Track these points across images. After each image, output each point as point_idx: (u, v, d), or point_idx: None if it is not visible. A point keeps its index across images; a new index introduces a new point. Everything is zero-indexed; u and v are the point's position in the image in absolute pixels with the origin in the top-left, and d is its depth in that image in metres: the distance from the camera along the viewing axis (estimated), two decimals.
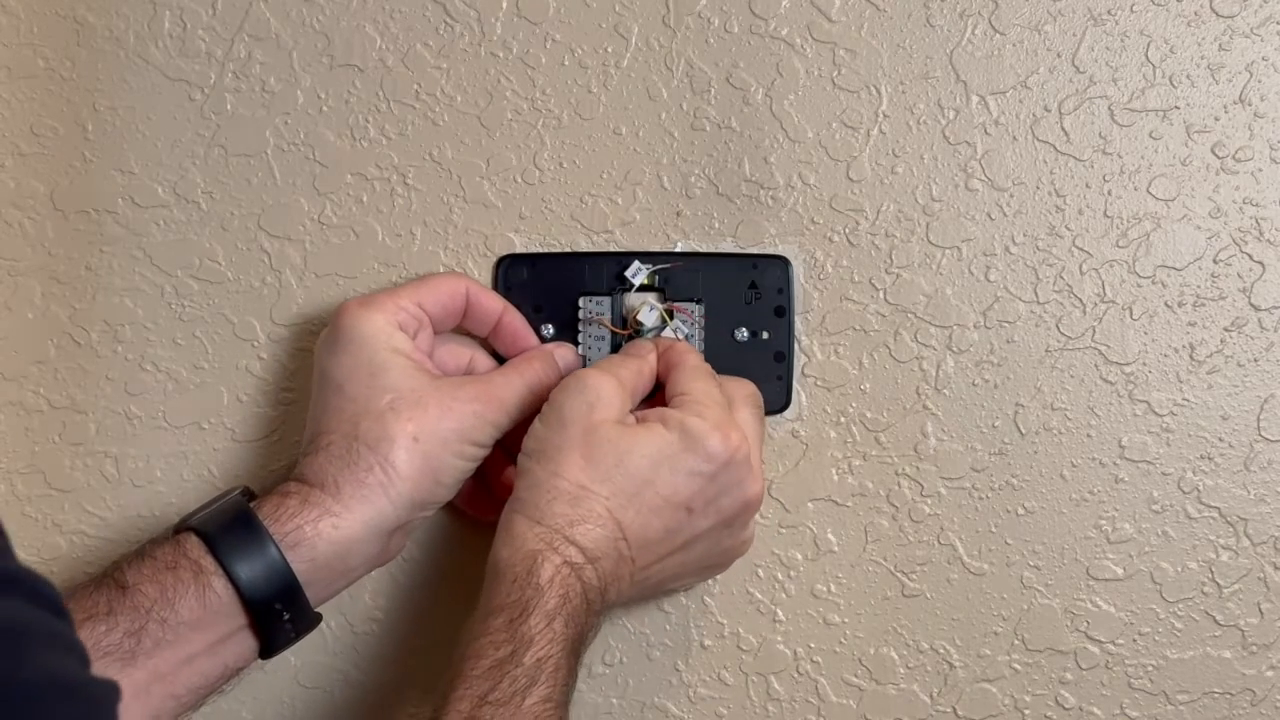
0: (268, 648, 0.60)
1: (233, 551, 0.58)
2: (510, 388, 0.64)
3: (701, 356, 0.66)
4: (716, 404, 0.62)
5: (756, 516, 0.64)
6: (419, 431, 0.61)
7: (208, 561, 0.58)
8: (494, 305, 0.67)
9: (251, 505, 0.60)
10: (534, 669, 0.54)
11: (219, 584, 0.58)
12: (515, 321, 0.67)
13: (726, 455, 0.60)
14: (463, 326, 0.67)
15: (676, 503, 0.60)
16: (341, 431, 0.62)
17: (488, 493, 0.68)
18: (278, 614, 0.59)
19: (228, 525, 0.59)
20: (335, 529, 0.60)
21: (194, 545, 0.59)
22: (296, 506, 0.60)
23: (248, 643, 0.60)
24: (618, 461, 0.59)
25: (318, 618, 0.62)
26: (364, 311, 0.63)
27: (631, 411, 0.63)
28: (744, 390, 0.65)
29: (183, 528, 0.61)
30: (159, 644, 0.57)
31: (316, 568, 0.60)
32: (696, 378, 0.63)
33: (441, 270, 0.69)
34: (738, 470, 0.61)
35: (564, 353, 0.67)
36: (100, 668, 0.55)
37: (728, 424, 0.61)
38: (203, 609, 0.58)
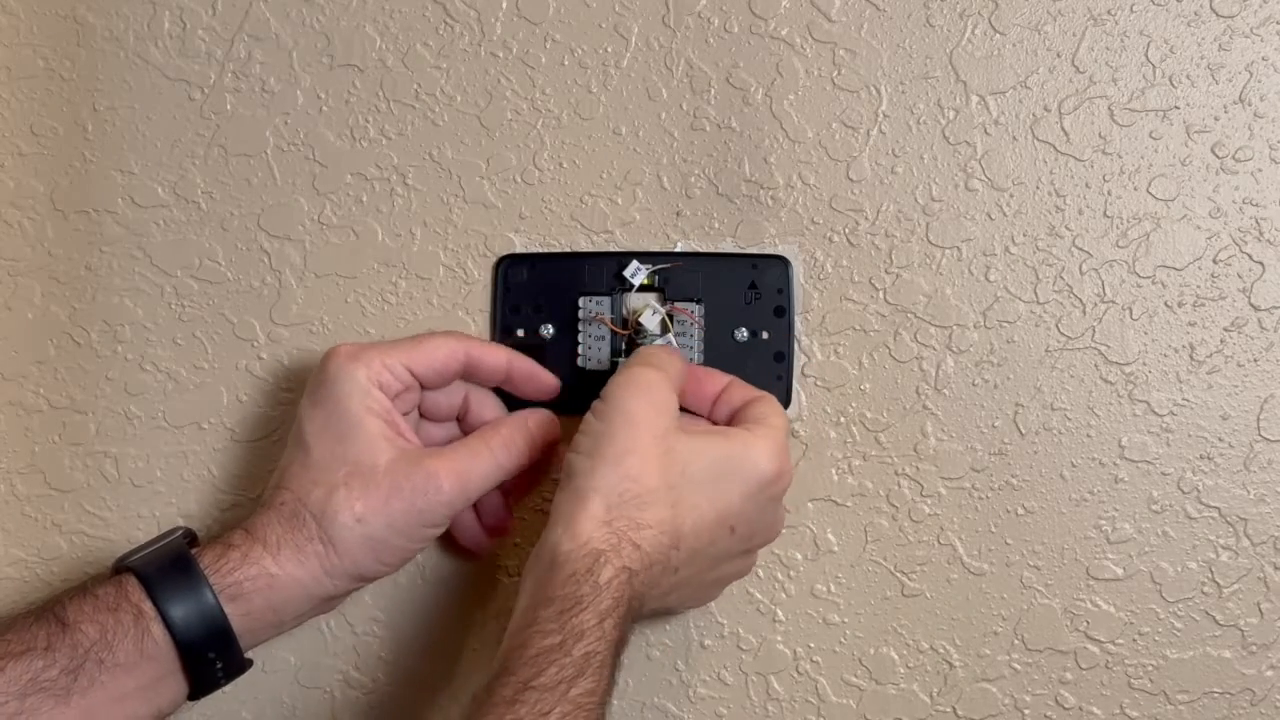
0: (196, 691, 0.61)
1: (171, 597, 0.59)
2: (473, 465, 0.62)
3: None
4: (784, 435, 0.62)
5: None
6: (365, 512, 0.61)
7: (147, 606, 0.59)
8: (498, 360, 0.65)
9: (194, 552, 0.61)
10: (582, 661, 0.54)
11: (157, 630, 0.58)
12: (525, 366, 0.66)
13: (776, 483, 0.61)
14: (469, 380, 0.66)
15: (725, 520, 0.60)
16: (296, 493, 0.62)
17: (482, 528, 0.68)
18: (210, 661, 0.60)
19: (167, 570, 0.60)
20: (270, 589, 0.60)
21: (135, 588, 0.59)
22: (238, 561, 0.60)
23: (178, 686, 0.60)
24: (684, 469, 0.59)
25: (249, 663, 0.62)
26: (349, 365, 0.62)
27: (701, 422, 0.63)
28: None
29: (123, 567, 0.61)
30: (94, 683, 0.57)
31: (251, 620, 0.60)
32: (778, 413, 0.62)
33: (441, 271, 0.69)
34: (778, 500, 0.62)
35: (539, 420, 0.65)
36: (34, 703, 0.56)
37: (785, 455, 0.61)
38: (139, 653, 0.58)
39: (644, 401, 0.59)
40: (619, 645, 0.56)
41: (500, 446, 0.63)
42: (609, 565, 0.56)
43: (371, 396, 0.62)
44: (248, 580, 0.60)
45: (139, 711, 0.59)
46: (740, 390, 0.64)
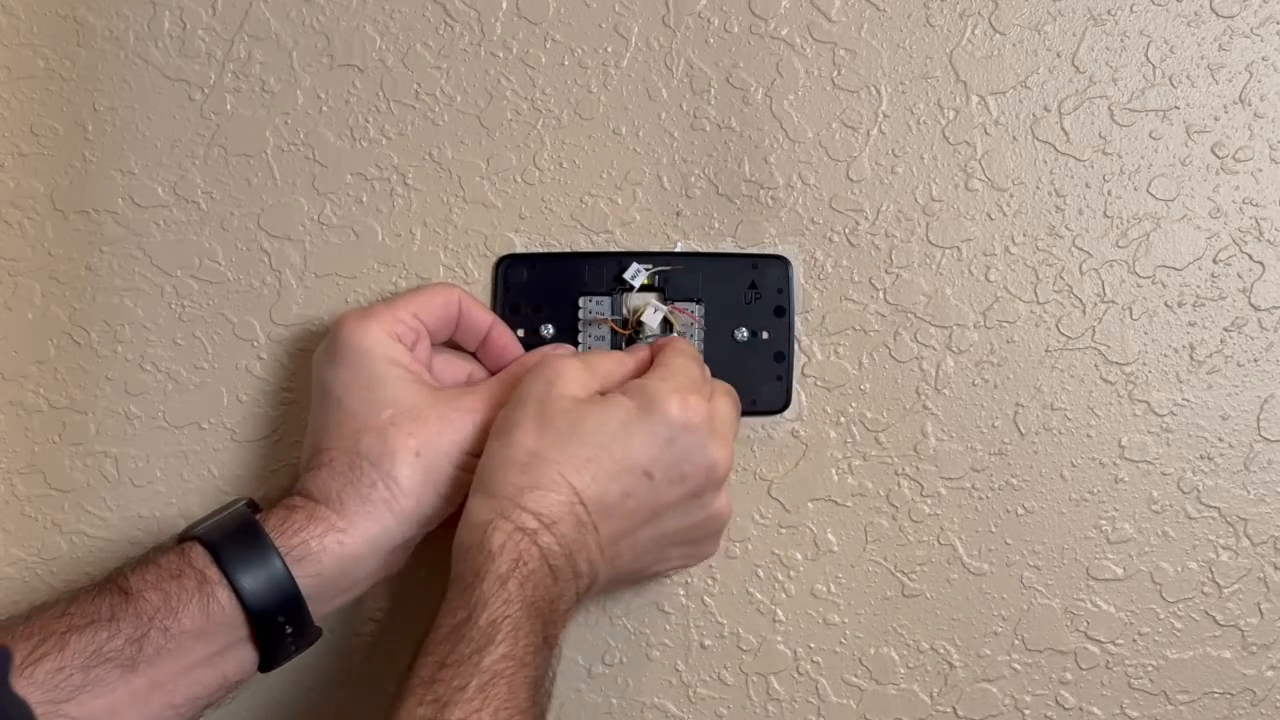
0: (268, 661, 0.60)
1: (237, 562, 0.58)
2: (507, 393, 0.63)
3: (694, 346, 0.66)
4: (684, 373, 0.62)
5: (728, 485, 0.63)
6: (420, 446, 0.61)
7: (212, 571, 0.58)
8: (483, 318, 0.66)
9: (257, 518, 0.60)
10: (489, 629, 0.54)
11: (223, 594, 0.58)
12: (504, 336, 0.67)
13: (683, 419, 0.59)
14: (453, 339, 0.67)
15: (633, 467, 0.59)
16: (343, 447, 0.62)
17: None
18: (280, 627, 0.59)
19: (233, 536, 0.59)
20: (340, 545, 0.60)
21: (199, 555, 0.59)
22: (303, 521, 0.60)
23: (248, 655, 0.59)
24: (571, 428, 0.59)
25: (318, 632, 0.62)
26: (362, 323, 0.63)
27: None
28: (722, 385, 0.65)
29: (188, 536, 0.60)
30: (160, 652, 0.57)
31: (321, 582, 0.60)
32: (677, 355, 0.63)
33: (441, 271, 0.69)
34: (697, 435, 0.60)
35: (560, 353, 0.66)
36: (100, 674, 0.56)
37: (688, 390, 0.60)
38: (205, 619, 0.58)
39: (537, 383, 0.61)
40: (537, 604, 0.56)
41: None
42: (498, 531, 0.57)
43: (393, 348, 0.63)
44: (314, 539, 0.60)
45: (208, 680, 0.59)
46: (656, 344, 0.65)
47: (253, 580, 0.58)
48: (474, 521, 0.58)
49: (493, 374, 0.67)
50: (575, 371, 0.61)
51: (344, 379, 0.62)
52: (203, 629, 0.58)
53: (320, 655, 0.70)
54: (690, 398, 0.60)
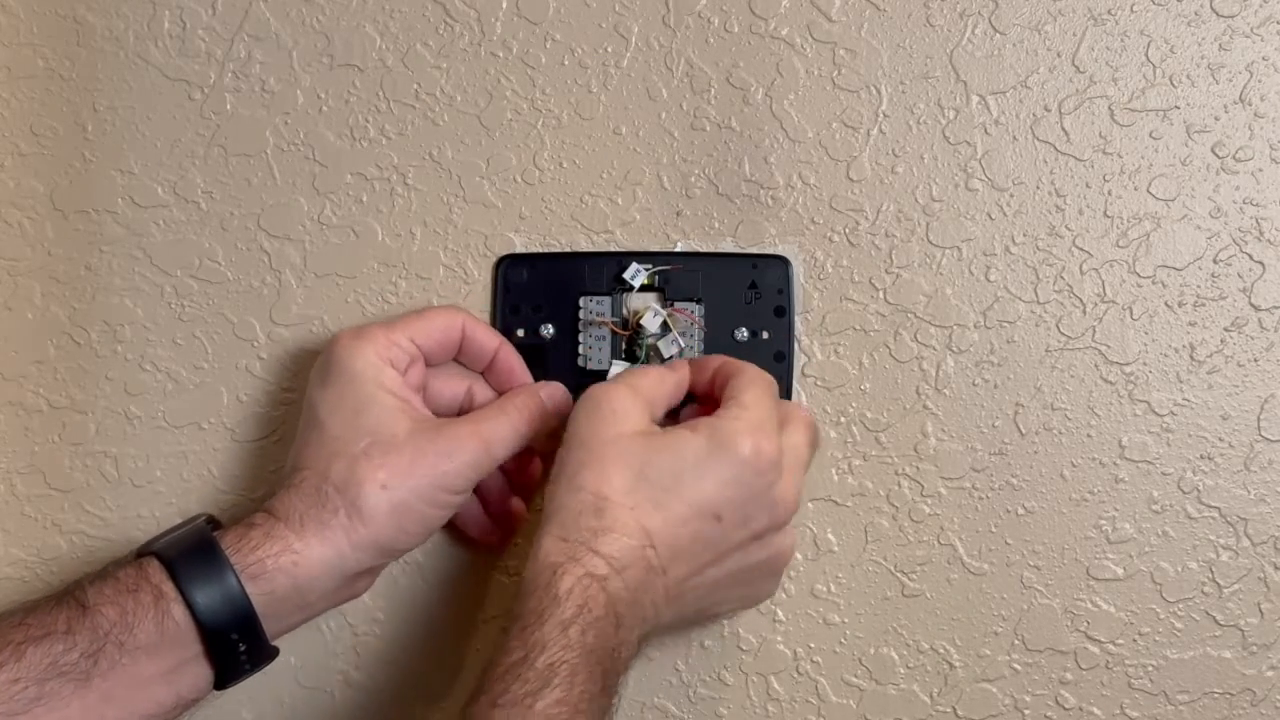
0: (222, 678, 0.60)
1: (193, 578, 0.58)
2: (493, 428, 0.63)
3: (767, 375, 0.63)
4: (759, 410, 0.60)
5: (792, 525, 0.63)
6: (389, 479, 0.61)
7: (168, 587, 0.58)
8: (490, 341, 0.66)
9: (216, 534, 0.60)
10: (546, 673, 0.54)
11: (177, 610, 0.58)
12: (510, 358, 0.67)
13: (753, 460, 0.59)
14: (458, 360, 0.67)
15: (704, 510, 0.59)
16: (316, 469, 0.62)
17: (489, 519, 0.68)
18: (233, 644, 0.59)
19: (189, 552, 0.59)
20: (295, 565, 0.60)
21: (156, 570, 0.59)
22: (259, 539, 0.60)
23: (202, 672, 0.59)
24: (640, 469, 0.58)
25: (274, 651, 0.62)
26: (355, 345, 0.63)
27: (667, 422, 0.62)
28: (801, 413, 0.64)
29: (146, 551, 0.61)
30: (114, 667, 0.57)
31: (274, 601, 0.60)
32: (749, 386, 0.62)
33: (441, 271, 0.69)
34: (765, 477, 0.59)
35: (551, 391, 0.66)
36: (54, 687, 0.56)
37: (761, 431, 0.59)
38: (160, 635, 0.58)
39: (593, 419, 0.60)
40: (597, 651, 0.55)
41: (516, 412, 0.64)
42: (567, 575, 0.56)
43: (384, 373, 0.63)
44: (270, 558, 0.59)
45: (162, 697, 0.59)
46: (725, 369, 0.64)
47: (207, 596, 0.58)
48: (544, 563, 0.57)
49: (499, 393, 0.67)
50: (629, 405, 0.60)
51: (331, 401, 0.62)
52: (157, 645, 0.58)
53: (320, 654, 0.70)
54: (762, 439, 0.59)
